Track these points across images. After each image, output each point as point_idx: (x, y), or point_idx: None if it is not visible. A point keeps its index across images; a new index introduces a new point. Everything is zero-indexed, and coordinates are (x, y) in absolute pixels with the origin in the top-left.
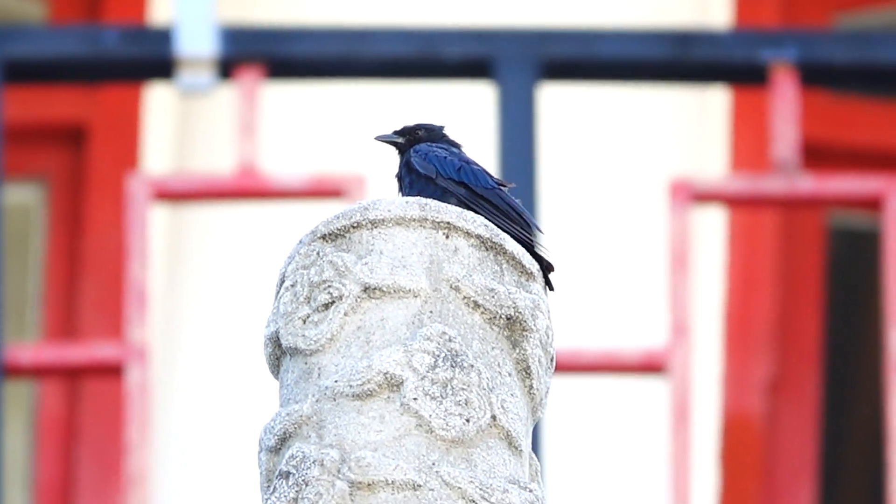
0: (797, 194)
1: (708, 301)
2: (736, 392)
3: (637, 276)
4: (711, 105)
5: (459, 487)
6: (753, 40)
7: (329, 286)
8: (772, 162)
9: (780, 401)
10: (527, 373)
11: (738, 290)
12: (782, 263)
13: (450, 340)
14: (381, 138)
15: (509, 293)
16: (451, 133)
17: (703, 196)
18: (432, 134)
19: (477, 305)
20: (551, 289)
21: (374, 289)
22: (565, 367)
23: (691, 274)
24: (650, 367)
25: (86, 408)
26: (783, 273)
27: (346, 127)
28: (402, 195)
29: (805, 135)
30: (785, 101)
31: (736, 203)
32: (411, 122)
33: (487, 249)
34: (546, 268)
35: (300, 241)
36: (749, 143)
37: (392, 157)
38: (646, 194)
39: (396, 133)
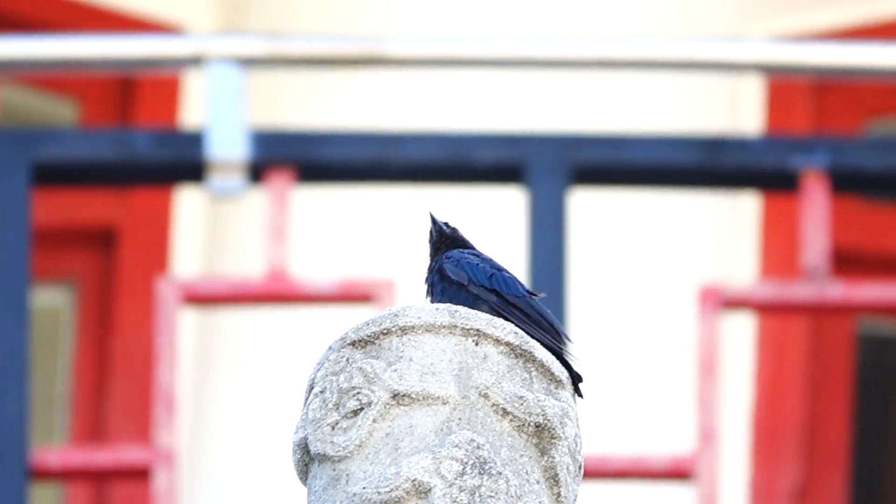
0: (826, 301)
1: (736, 407)
2: (763, 499)
3: (665, 382)
4: (741, 211)
5: None
6: (784, 146)
7: (358, 393)
8: (801, 268)
9: None
10: (555, 480)
11: (766, 396)
12: (811, 370)
13: (478, 448)
14: (433, 218)
15: (538, 401)
16: (481, 241)
17: (732, 302)
18: (465, 244)
19: (506, 413)
20: (580, 397)
21: (404, 396)
22: (593, 473)
23: (720, 380)
24: (678, 473)
25: None
26: (812, 379)
27: (377, 231)
28: (433, 301)
29: (835, 241)
30: (815, 208)
31: (765, 309)
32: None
33: (517, 357)
34: (575, 378)
35: (329, 348)
36: (779, 250)
37: (422, 263)
38: (675, 300)
39: (446, 225)
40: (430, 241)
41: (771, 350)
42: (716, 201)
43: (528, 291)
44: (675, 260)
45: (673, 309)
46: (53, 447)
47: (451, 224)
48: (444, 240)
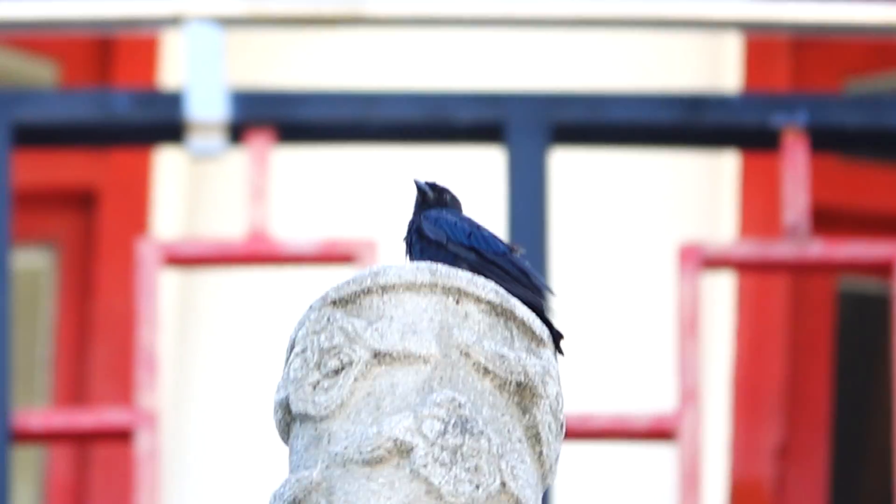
0: (807, 259)
1: (717, 366)
2: (745, 458)
3: (646, 342)
4: (721, 169)
5: None
6: (764, 105)
7: (339, 352)
8: (782, 227)
9: (790, 467)
10: (537, 439)
11: (747, 355)
12: (792, 329)
13: (460, 406)
14: (417, 183)
15: (519, 359)
16: (465, 204)
17: (712, 261)
18: (454, 204)
19: (487, 371)
20: (561, 354)
21: (385, 355)
22: (575, 433)
23: (701, 339)
24: (659, 433)
25: (95, 474)
26: (793, 338)
27: (357, 191)
28: (412, 260)
29: (815, 200)
30: (795, 166)
31: (746, 268)
32: (441, 183)
33: (498, 315)
34: (556, 335)
35: (310, 307)
36: (759, 208)
37: (403, 223)
38: (655, 259)
39: (429, 185)
40: (416, 206)
41: (752, 309)
42: (696, 160)
43: (507, 248)
44: (655, 219)
45: (653, 268)
46: (35, 409)
47: (440, 184)
48: (429, 203)
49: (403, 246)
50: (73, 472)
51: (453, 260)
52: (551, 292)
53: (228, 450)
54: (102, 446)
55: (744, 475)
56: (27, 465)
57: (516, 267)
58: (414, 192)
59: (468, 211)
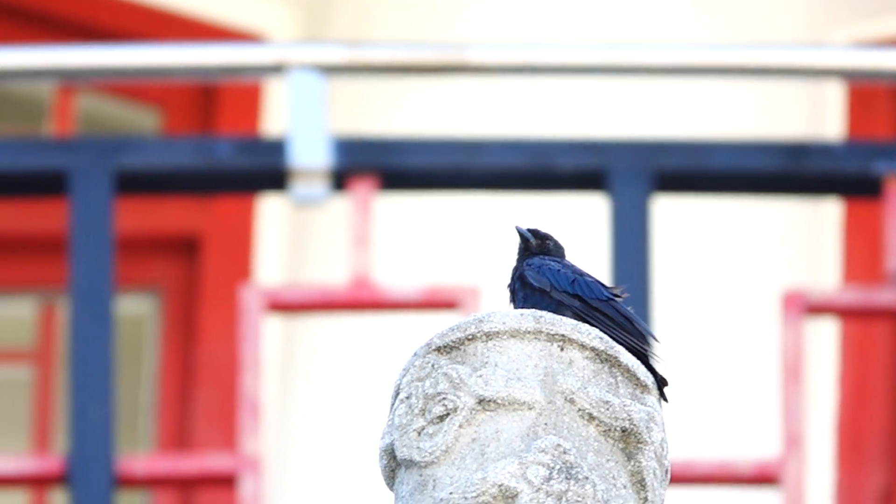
0: None
1: (821, 412)
2: (849, 503)
3: (750, 388)
4: (824, 216)
5: None
6: (866, 152)
7: (444, 398)
8: (885, 273)
9: None
10: (642, 485)
11: (850, 401)
12: (894, 374)
13: (565, 453)
14: (519, 230)
15: (624, 406)
16: (569, 252)
17: (816, 308)
18: (558, 250)
19: (592, 418)
20: (665, 401)
21: (489, 401)
22: (679, 478)
23: (804, 385)
24: (764, 478)
25: None
26: (895, 384)
27: (460, 238)
28: (515, 308)
29: None
30: None
31: (849, 315)
32: (543, 230)
33: (602, 362)
34: (660, 381)
35: (415, 354)
36: (862, 255)
37: (506, 269)
38: (759, 306)
39: (531, 232)
40: (519, 253)
41: (855, 355)
42: (799, 207)
43: (611, 294)
44: (759, 265)
45: (757, 314)
46: (139, 455)
47: (542, 231)
48: (532, 250)
49: (507, 294)
50: None
51: (557, 307)
52: (655, 339)
53: (331, 497)
54: (206, 491)
55: None
56: None
57: (620, 313)
58: (516, 239)
59: (571, 258)
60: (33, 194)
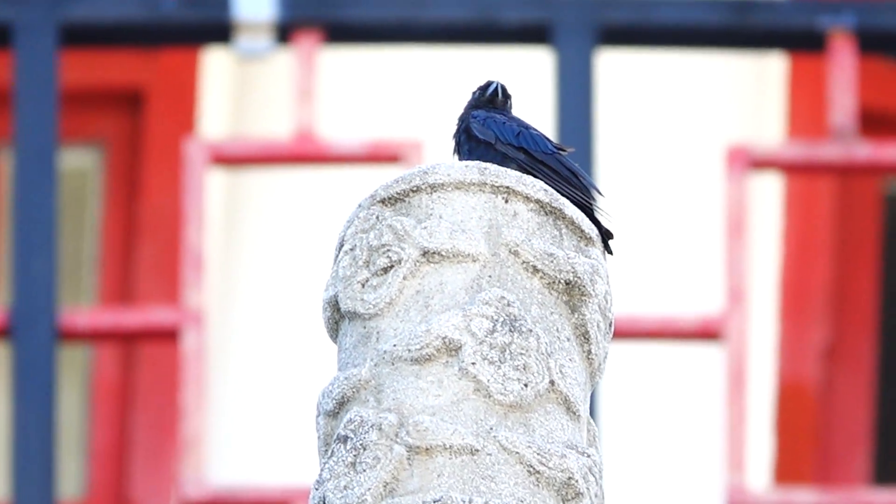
0: (854, 161)
1: (764, 267)
2: (792, 359)
3: (694, 243)
4: (769, 72)
5: (517, 452)
6: (811, 7)
7: (388, 250)
8: (829, 129)
9: (836, 367)
10: (585, 338)
11: (794, 256)
12: (838, 230)
13: (508, 305)
14: (497, 85)
15: (568, 258)
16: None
17: (759, 162)
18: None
19: (536, 270)
20: (610, 254)
21: (434, 253)
22: (622, 333)
23: (748, 240)
24: (706, 333)
25: (141, 373)
26: (839, 239)
27: (404, 92)
28: (461, 160)
29: (862, 102)
30: (842, 69)
31: (792, 170)
32: (508, 89)
33: (547, 214)
34: (605, 234)
35: (359, 205)
36: (806, 110)
37: (449, 122)
38: (703, 160)
39: (503, 91)
40: (468, 105)
41: (798, 210)
42: (743, 62)
43: (556, 147)
44: (703, 120)
45: (701, 169)
46: (82, 309)
47: (508, 91)
48: (496, 105)
49: (452, 145)
50: (119, 371)
51: (502, 160)
52: (600, 192)
53: (274, 348)
54: (149, 345)
55: (790, 376)
56: (74, 364)
57: (565, 167)
58: (475, 92)
59: (516, 112)
60: None
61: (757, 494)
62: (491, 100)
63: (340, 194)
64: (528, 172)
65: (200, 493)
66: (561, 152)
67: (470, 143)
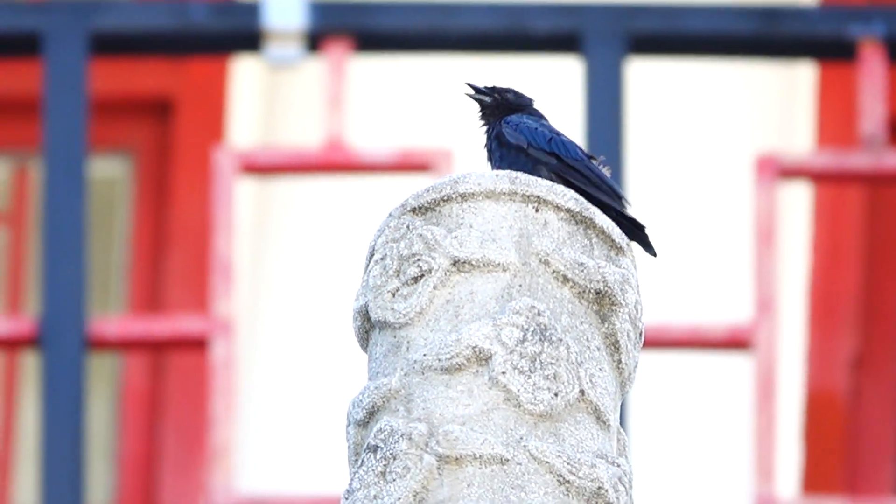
0: (883, 170)
1: (793, 277)
2: (820, 368)
3: (723, 252)
4: (798, 80)
5: (547, 462)
6: (841, 16)
7: (418, 259)
8: (858, 137)
9: (865, 377)
10: (615, 347)
11: (823, 265)
12: (868, 239)
13: (539, 314)
14: (471, 88)
15: (599, 267)
16: (538, 106)
17: (789, 171)
18: (520, 100)
19: (566, 279)
20: (651, 251)
21: (464, 262)
22: (652, 342)
23: (777, 249)
24: (735, 342)
25: (170, 381)
26: (868, 249)
27: (434, 101)
28: (493, 167)
29: (892, 110)
30: (872, 77)
31: (822, 179)
32: (502, 86)
33: (577, 223)
34: (638, 227)
35: (390, 215)
36: (836, 119)
37: (479, 132)
38: (732, 169)
39: (486, 90)
40: (481, 116)
41: (828, 219)
42: (773, 70)
43: (586, 155)
44: (732, 129)
45: (730, 178)
46: (111, 317)
47: (498, 86)
48: (491, 107)
49: (485, 153)
50: (148, 379)
51: (533, 165)
52: (628, 202)
53: (304, 357)
54: (178, 354)
55: (819, 385)
56: (102, 372)
57: (595, 174)
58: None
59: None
60: (7, 56)
61: (786, 503)
62: (481, 106)
63: (370, 203)
64: (560, 177)
65: (229, 501)
66: (591, 160)
67: (502, 149)
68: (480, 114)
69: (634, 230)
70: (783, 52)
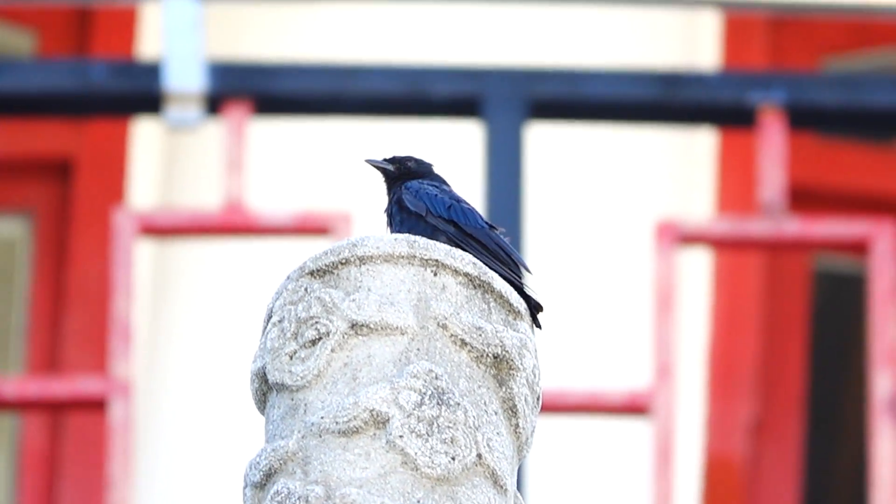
0: (783, 237)
1: (692, 343)
2: (719, 434)
3: (622, 317)
4: (698, 146)
5: None
6: (741, 82)
7: (316, 322)
8: (758, 204)
9: (764, 443)
10: (513, 411)
11: (722, 332)
12: (767, 306)
13: (436, 378)
14: (372, 162)
15: (496, 332)
16: (439, 170)
17: (689, 238)
18: (421, 167)
19: (464, 343)
20: (539, 327)
21: (362, 325)
22: (550, 407)
23: (676, 315)
24: (634, 408)
25: (69, 442)
26: (768, 315)
27: (333, 164)
28: (392, 232)
29: (792, 177)
30: (772, 144)
31: (722, 245)
32: (402, 154)
33: (475, 288)
34: (534, 307)
35: (288, 277)
36: (736, 186)
37: (379, 195)
38: (632, 235)
39: (387, 161)
40: (385, 181)
41: (727, 286)
42: (673, 137)
43: (487, 224)
44: (632, 195)
45: (630, 244)
46: (9, 377)
47: (399, 155)
48: (396, 176)
49: (385, 217)
50: (46, 440)
51: (432, 232)
52: (528, 269)
53: (202, 419)
54: (76, 415)
55: (718, 451)
56: (2, 432)
57: (494, 242)
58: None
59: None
60: None
61: None
62: (386, 176)
63: (269, 266)
64: (458, 246)
65: None
66: (492, 229)
67: (402, 214)
68: (383, 179)
69: (530, 307)
70: (683, 118)
